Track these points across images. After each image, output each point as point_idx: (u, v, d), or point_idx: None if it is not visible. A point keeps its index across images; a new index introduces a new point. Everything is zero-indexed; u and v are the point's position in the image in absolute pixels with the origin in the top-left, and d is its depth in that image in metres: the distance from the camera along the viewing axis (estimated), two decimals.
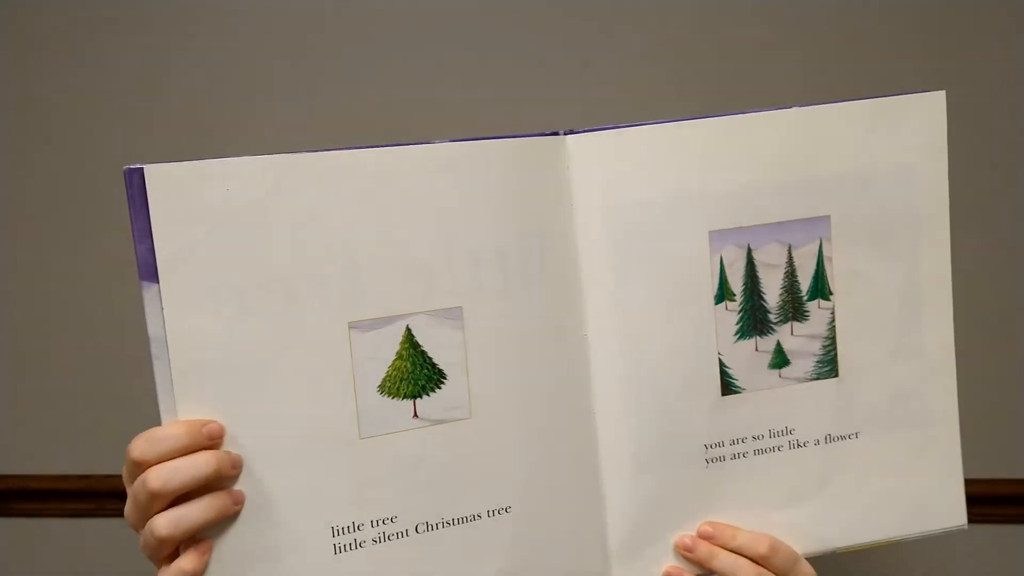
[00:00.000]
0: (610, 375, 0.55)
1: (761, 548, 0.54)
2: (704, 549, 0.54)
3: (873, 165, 0.56)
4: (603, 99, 1.09)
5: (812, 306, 0.56)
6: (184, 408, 0.46)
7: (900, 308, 0.57)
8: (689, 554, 0.54)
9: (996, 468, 1.21)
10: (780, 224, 0.55)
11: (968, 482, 1.19)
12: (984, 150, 1.21)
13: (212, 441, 0.46)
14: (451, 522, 0.51)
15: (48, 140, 1.15)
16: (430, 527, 0.51)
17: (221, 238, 0.46)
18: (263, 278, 0.47)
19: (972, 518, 1.21)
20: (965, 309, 1.18)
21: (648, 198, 0.54)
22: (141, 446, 0.45)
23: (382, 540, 0.50)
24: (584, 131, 0.54)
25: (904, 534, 0.59)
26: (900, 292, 0.57)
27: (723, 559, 0.54)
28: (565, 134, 0.54)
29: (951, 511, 0.61)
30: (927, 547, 1.24)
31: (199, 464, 0.45)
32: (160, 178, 0.44)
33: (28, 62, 1.16)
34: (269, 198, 0.47)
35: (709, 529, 0.55)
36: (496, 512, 0.52)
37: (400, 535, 0.50)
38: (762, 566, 0.54)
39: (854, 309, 0.57)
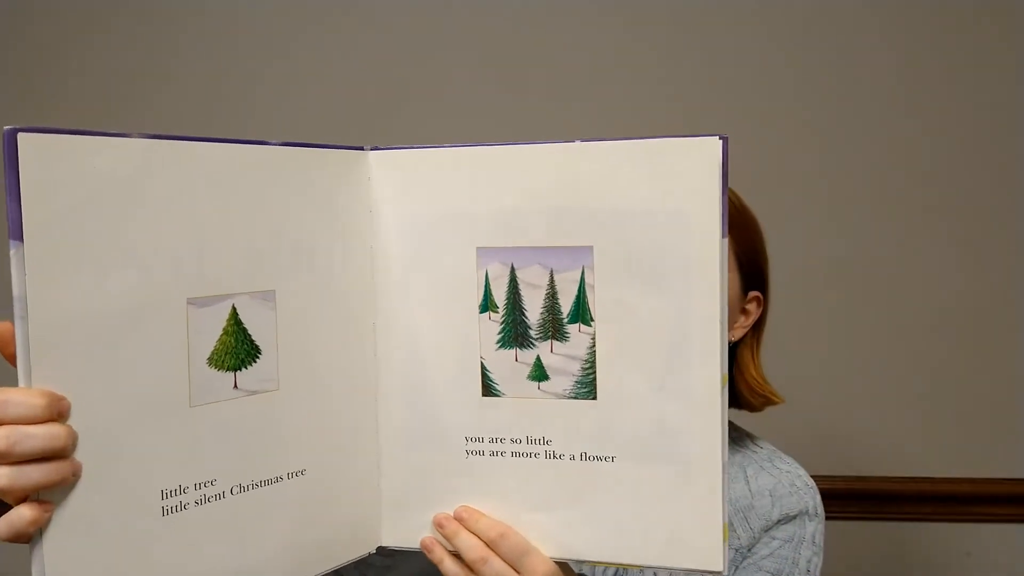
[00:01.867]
0: (391, 363, 0.63)
1: (493, 533, 0.60)
2: (452, 527, 0.61)
3: (646, 202, 0.56)
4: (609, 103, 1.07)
5: (572, 329, 0.59)
6: (38, 372, 0.46)
7: (669, 345, 0.57)
8: (440, 529, 0.62)
9: (996, 468, 1.15)
10: (544, 248, 0.59)
11: (968, 482, 1.15)
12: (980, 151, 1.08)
13: (62, 417, 0.47)
14: (259, 484, 0.57)
15: None
16: (243, 488, 0.56)
17: (85, 209, 0.48)
18: (120, 251, 0.49)
19: (972, 518, 1.17)
20: (966, 310, 1.11)
21: (430, 212, 0.61)
22: None
23: (203, 502, 0.54)
24: (385, 148, 0.61)
25: (656, 564, 0.59)
26: (670, 330, 0.57)
27: (463, 538, 0.61)
28: (369, 149, 0.61)
29: (707, 553, 0.58)
30: (926, 546, 1.21)
31: (50, 437, 0.46)
32: (32, 143, 0.45)
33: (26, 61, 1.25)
34: (134, 177, 0.50)
35: (462, 512, 0.62)
36: (294, 475, 0.59)
37: (218, 497, 0.55)
38: (491, 549, 0.60)
39: (617, 339, 0.58)
